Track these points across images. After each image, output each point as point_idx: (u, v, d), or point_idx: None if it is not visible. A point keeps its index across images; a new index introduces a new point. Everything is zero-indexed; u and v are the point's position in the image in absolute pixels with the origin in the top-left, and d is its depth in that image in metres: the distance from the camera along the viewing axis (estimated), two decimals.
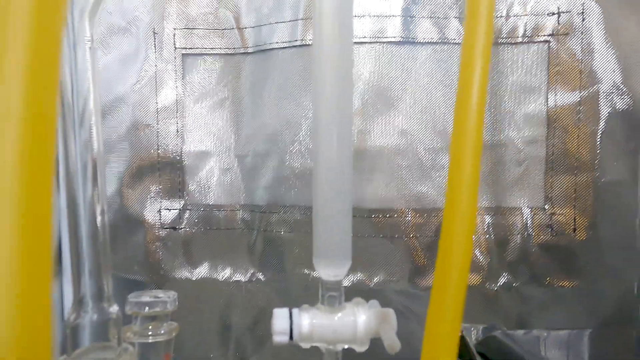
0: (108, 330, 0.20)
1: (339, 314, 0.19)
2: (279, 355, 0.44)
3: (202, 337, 0.45)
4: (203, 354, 0.45)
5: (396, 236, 0.42)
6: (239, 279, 0.45)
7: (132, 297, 0.26)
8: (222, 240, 0.45)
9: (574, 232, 0.40)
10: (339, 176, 0.19)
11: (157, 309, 0.26)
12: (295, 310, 0.20)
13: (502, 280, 0.41)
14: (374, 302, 0.21)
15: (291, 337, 0.19)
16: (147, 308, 0.26)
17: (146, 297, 0.26)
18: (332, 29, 0.19)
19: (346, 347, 0.20)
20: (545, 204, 0.41)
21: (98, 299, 0.22)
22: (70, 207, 0.23)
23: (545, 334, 0.34)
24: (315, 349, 0.43)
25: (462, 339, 0.29)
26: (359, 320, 0.19)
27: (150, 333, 0.26)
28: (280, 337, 0.19)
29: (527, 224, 0.41)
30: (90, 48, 0.23)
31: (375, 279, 0.42)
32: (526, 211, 0.41)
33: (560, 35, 0.39)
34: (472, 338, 0.29)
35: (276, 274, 0.44)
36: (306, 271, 0.44)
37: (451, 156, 0.17)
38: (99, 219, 0.23)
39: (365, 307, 0.20)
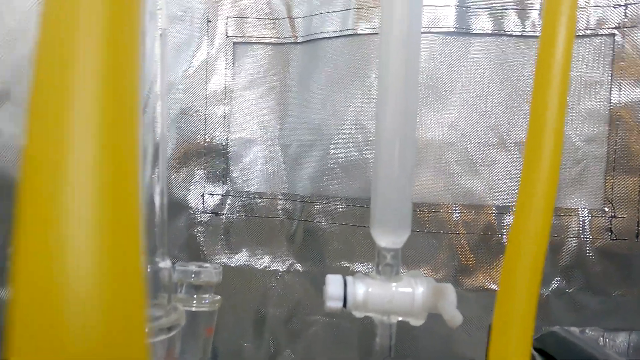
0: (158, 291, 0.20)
1: (395, 284, 0.18)
2: (313, 348, 0.43)
3: (237, 325, 0.44)
4: (237, 341, 0.44)
5: (441, 232, 0.40)
6: (277, 268, 0.44)
7: (179, 266, 0.26)
8: (262, 228, 0.45)
9: (637, 237, 0.37)
10: (402, 141, 0.19)
11: (203, 278, 0.26)
12: (349, 278, 0.19)
13: (554, 285, 0.39)
14: (430, 279, 0.20)
15: (344, 304, 0.18)
16: (193, 276, 0.25)
17: (193, 266, 0.26)
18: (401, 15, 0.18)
19: (400, 319, 0.19)
20: (605, 206, 0.38)
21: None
22: None
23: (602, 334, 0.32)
24: (353, 338, 0.42)
25: None
26: (416, 291, 0.18)
27: (194, 302, 0.26)
28: (333, 302, 0.18)
29: (583, 226, 0.38)
30: (160, 35, 0.24)
31: None
32: (583, 213, 0.38)
33: (627, 27, 0.37)
34: None
35: (315, 266, 0.43)
36: (345, 264, 0.43)
37: (526, 154, 0.16)
38: (157, 199, 0.23)
39: (423, 279, 0.19)
